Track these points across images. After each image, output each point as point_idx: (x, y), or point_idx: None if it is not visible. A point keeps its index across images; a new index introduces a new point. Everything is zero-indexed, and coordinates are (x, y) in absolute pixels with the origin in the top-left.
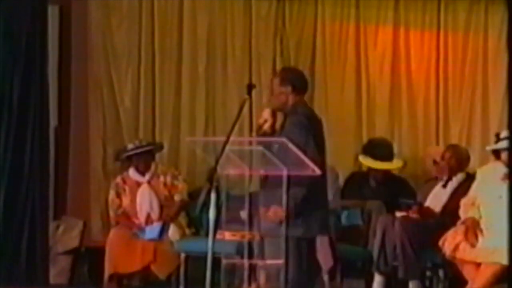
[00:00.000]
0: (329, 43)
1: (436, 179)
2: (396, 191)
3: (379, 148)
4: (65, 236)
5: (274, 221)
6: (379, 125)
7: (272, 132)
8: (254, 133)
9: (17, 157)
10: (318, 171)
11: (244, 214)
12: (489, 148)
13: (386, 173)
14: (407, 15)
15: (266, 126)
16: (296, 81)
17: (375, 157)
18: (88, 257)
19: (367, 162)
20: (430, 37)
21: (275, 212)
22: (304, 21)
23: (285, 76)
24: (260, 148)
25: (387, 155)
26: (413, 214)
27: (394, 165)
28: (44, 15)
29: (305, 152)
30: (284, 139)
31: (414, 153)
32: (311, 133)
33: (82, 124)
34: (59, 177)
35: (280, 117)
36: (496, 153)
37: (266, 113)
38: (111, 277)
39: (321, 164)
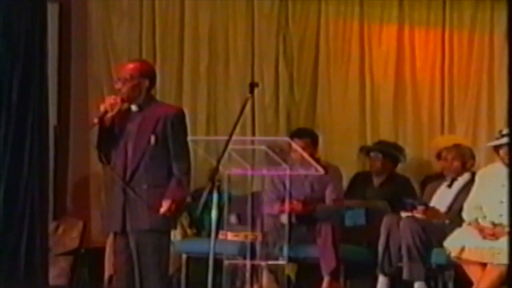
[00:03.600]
0: (332, 41)
1: (441, 177)
2: (399, 190)
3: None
4: (65, 237)
5: (165, 214)
6: (383, 124)
7: (111, 124)
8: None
9: (16, 156)
10: (321, 171)
11: (233, 219)
12: (489, 144)
13: (390, 172)
14: (412, 13)
15: (109, 115)
16: (153, 75)
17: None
18: (88, 258)
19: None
20: (435, 35)
21: (168, 206)
22: (307, 20)
23: (143, 69)
24: (263, 147)
25: None
26: (418, 214)
27: None
28: (44, 13)
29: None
30: (288, 139)
31: (419, 153)
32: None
33: (82, 123)
34: (58, 177)
35: (123, 107)
36: (497, 150)
37: (115, 100)
38: (111, 278)
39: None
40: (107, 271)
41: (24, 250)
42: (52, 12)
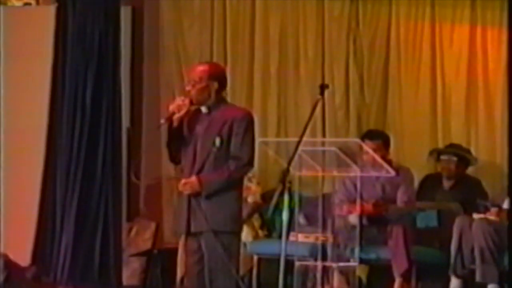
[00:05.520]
0: (403, 43)
1: None
2: (470, 193)
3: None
4: (138, 238)
5: (187, 192)
6: (454, 126)
7: (179, 124)
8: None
9: (90, 158)
10: (393, 173)
11: (302, 219)
12: None
13: (461, 175)
14: (484, 13)
15: (177, 116)
16: (222, 78)
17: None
18: (161, 259)
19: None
20: (509, 35)
21: (190, 183)
22: (377, 21)
23: (212, 71)
24: (334, 149)
25: None
26: (491, 216)
27: None
28: (117, 16)
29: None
30: (358, 140)
31: (492, 156)
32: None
33: (154, 125)
34: (131, 179)
35: (192, 109)
36: None
37: (183, 101)
38: (183, 279)
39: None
40: (180, 272)
41: (98, 251)
42: (125, 15)
